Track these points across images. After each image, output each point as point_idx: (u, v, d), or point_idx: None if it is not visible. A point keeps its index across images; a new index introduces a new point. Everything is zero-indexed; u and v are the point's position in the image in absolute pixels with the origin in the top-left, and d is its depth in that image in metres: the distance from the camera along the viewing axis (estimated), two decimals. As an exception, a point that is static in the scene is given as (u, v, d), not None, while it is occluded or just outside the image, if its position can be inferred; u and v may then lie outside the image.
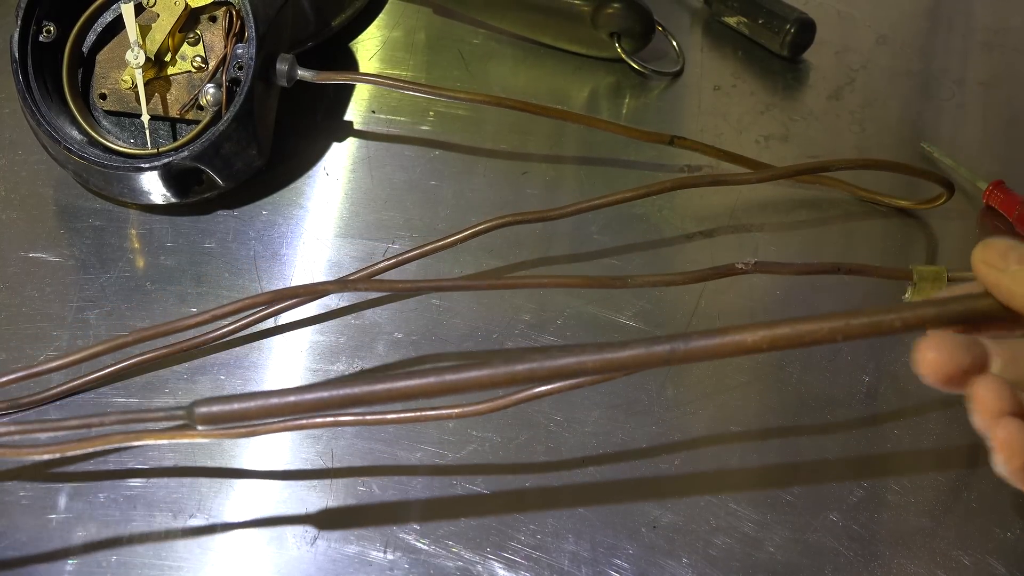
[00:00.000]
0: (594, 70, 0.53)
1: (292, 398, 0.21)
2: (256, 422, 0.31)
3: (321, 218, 0.43)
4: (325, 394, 0.21)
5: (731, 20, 0.56)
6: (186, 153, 0.40)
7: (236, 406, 0.21)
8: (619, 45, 0.52)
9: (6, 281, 0.40)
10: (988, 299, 0.22)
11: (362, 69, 0.52)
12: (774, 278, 0.42)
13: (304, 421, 0.33)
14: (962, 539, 0.34)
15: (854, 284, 0.42)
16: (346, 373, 0.38)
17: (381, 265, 0.39)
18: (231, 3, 0.42)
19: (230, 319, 0.38)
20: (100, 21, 0.43)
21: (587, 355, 0.21)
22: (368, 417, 0.33)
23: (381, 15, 0.55)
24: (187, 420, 0.22)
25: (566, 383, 0.34)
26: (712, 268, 0.39)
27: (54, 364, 0.31)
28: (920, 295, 0.41)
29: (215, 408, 0.21)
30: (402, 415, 0.34)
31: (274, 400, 0.21)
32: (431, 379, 0.21)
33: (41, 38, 0.42)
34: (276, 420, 0.33)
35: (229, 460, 0.35)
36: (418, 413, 0.34)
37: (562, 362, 0.21)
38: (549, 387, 0.34)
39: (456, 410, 0.34)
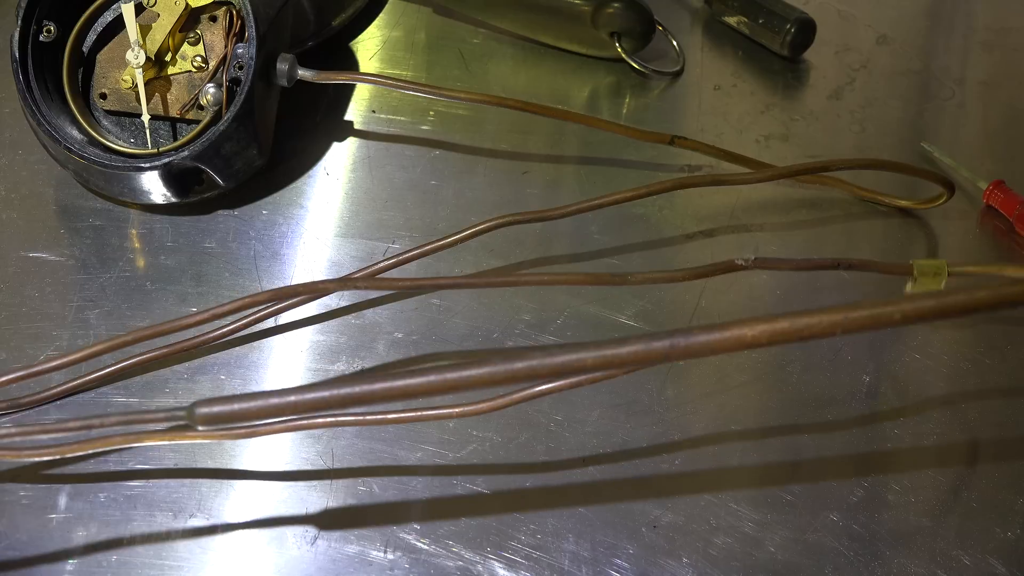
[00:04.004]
0: (594, 70, 0.53)
1: (292, 398, 0.21)
2: (257, 422, 0.31)
3: (321, 218, 0.44)
4: (325, 393, 0.21)
5: (731, 20, 0.56)
6: (186, 153, 0.40)
7: (237, 406, 0.21)
8: (619, 45, 0.52)
9: (6, 281, 0.40)
10: (989, 291, 0.22)
11: (362, 69, 0.52)
12: (775, 277, 0.42)
13: (305, 422, 0.33)
14: (962, 539, 0.34)
15: (855, 284, 0.42)
16: (346, 373, 0.38)
17: (381, 265, 0.39)
18: (231, 3, 0.42)
19: (230, 318, 0.38)
20: (100, 21, 0.43)
21: (587, 352, 0.21)
22: (368, 417, 0.33)
23: (381, 15, 0.55)
24: (188, 421, 0.22)
25: (566, 381, 0.34)
26: (712, 264, 0.39)
27: (54, 364, 0.31)
28: (920, 289, 0.41)
29: (216, 408, 0.21)
30: (402, 415, 0.34)
31: (274, 400, 0.21)
32: (431, 378, 0.21)
33: (41, 38, 0.42)
34: (277, 421, 0.33)
35: (229, 460, 0.35)
36: (419, 413, 0.34)
37: (562, 359, 0.21)
38: (549, 386, 0.34)
39: (456, 409, 0.34)
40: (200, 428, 0.22)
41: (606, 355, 0.21)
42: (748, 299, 0.42)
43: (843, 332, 0.21)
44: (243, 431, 0.32)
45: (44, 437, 0.34)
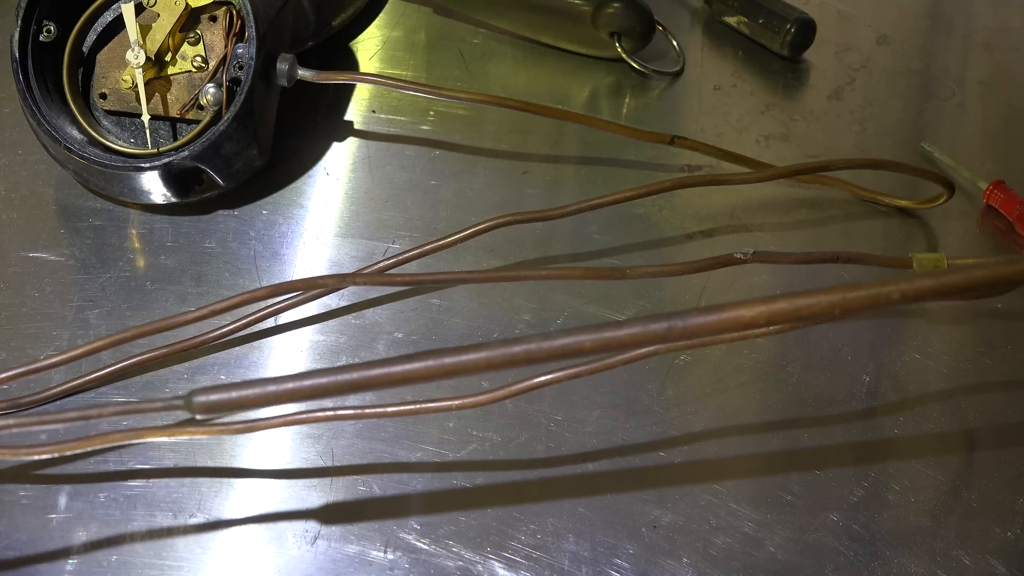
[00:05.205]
0: (594, 70, 0.53)
1: (290, 385, 0.21)
2: (255, 411, 0.31)
3: (321, 218, 0.43)
4: (323, 380, 0.21)
5: (731, 20, 0.56)
6: (186, 153, 0.40)
7: (235, 394, 0.21)
8: (619, 45, 0.52)
9: (6, 281, 0.40)
10: (986, 269, 0.22)
11: (362, 69, 0.52)
12: (775, 276, 0.42)
13: (303, 415, 0.33)
14: (962, 539, 0.34)
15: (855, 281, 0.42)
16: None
17: (381, 264, 0.39)
18: (231, 3, 0.42)
19: (229, 316, 0.38)
20: (100, 21, 0.43)
21: (585, 335, 0.20)
22: (368, 410, 0.33)
23: (381, 15, 0.55)
24: (186, 409, 0.22)
25: (566, 372, 0.34)
26: (711, 258, 0.39)
27: (53, 360, 0.31)
28: None
29: (213, 396, 0.21)
30: (401, 408, 0.34)
31: (272, 387, 0.21)
32: (429, 363, 0.21)
33: (41, 38, 0.42)
34: (275, 416, 0.33)
35: (229, 460, 0.35)
36: (417, 405, 0.34)
37: (560, 343, 0.21)
38: (549, 377, 0.34)
39: (456, 402, 0.34)
40: (198, 416, 0.22)
41: (604, 337, 0.21)
42: (748, 298, 0.42)
43: (841, 312, 0.21)
44: (242, 425, 0.32)
45: (43, 434, 0.34)
